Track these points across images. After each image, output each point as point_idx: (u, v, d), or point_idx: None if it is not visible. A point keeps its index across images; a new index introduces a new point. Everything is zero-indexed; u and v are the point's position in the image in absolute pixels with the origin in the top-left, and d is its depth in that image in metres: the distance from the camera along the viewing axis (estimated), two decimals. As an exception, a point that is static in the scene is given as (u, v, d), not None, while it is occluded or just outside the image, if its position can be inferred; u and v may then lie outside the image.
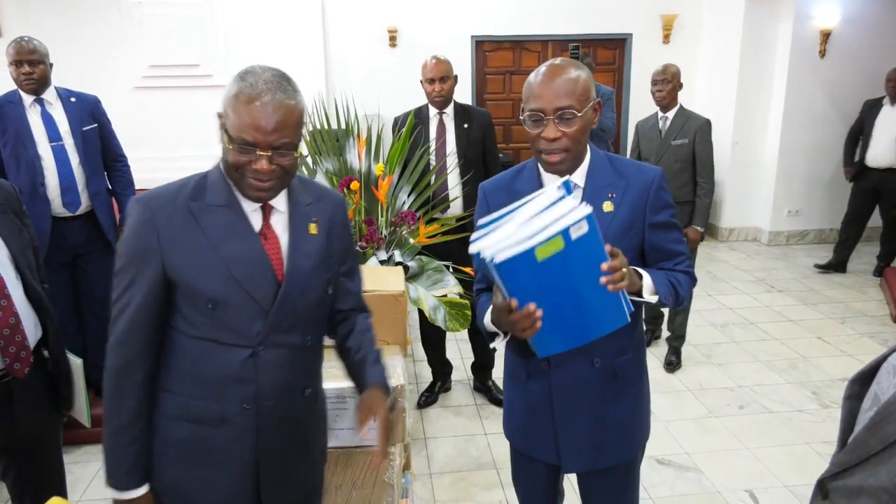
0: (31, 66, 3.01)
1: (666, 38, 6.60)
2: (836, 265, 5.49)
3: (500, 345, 1.52)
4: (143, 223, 1.29)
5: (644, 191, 1.52)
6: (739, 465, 2.93)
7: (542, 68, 1.45)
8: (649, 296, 1.45)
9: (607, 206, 1.50)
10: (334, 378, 1.85)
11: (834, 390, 3.58)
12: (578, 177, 1.52)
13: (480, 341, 3.47)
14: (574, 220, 1.20)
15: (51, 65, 3.12)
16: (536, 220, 1.22)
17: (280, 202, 1.38)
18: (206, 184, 1.34)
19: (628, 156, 4.02)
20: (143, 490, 1.36)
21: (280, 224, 1.38)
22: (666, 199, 1.55)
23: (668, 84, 3.68)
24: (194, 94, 6.19)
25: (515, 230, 1.22)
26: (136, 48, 5.96)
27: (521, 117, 1.48)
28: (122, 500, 1.36)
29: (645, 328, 4.09)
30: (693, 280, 1.59)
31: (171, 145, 5.94)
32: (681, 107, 3.75)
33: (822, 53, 5.97)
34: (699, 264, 4.02)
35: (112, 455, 1.34)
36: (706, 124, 3.70)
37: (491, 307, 1.50)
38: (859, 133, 5.30)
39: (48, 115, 3.08)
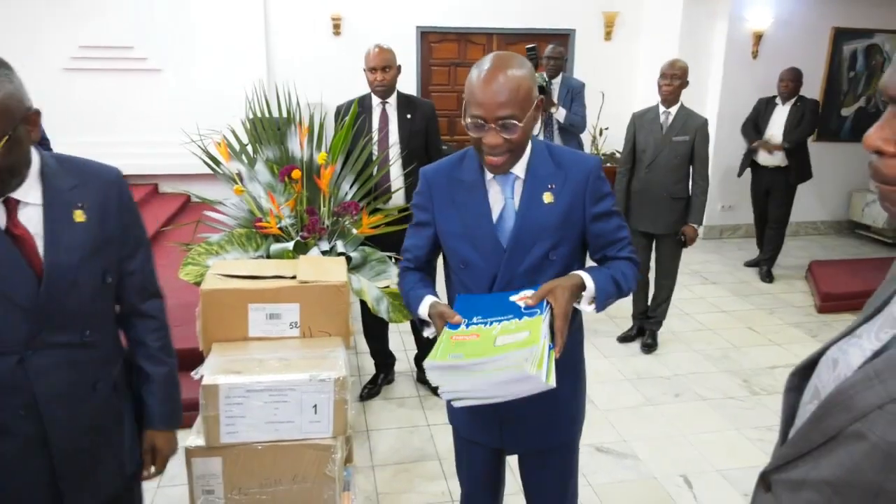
0: None
1: (608, 35, 6.71)
2: (767, 261, 5.65)
3: (431, 334, 1.56)
4: None
5: (583, 181, 1.53)
6: (675, 452, 3.03)
7: (485, 67, 1.40)
8: (586, 305, 1.48)
9: (547, 198, 1.52)
10: (271, 370, 1.81)
11: (763, 378, 3.74)
12: (519, 169, 1.53)
13: (420, 332, 3.46)
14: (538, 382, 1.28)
15: None
16: (506, 385, 1.31)
17: (30, 193, 1.29)
18: None
19: (622, 147, 4.06)
20: None
21: (34, 218, 1.29)
22: (604, 189, 1.56)
23: (676, 79, 3.73)
24: (128, 77, 5.95)
25: (485, 389, 1.32)
26: (65, 27, 5.67)
27: (464, 120, 1.46)
28: None
29: (632, 324, 4.22)
30: (636, 265, 1.61)
31: (102, 130, 5.69)
32: (682, 104, 3.81)
33: (755, 54, 6.19)
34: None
35: None
36: (706, 123, 3.78)
37: (430, 304, 1.55)
38: (755, 122, 5.34)
39: None
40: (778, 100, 5.21)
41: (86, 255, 1.34)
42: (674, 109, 3.79)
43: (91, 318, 1.39)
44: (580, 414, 1.75)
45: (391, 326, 3.47)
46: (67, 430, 1.37)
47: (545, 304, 1.39)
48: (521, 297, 1.43)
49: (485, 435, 1.70)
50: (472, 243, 1.55)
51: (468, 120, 1.44)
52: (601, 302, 1.48)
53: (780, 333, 4.37)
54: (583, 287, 1.45)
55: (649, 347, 4.04)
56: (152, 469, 1.64)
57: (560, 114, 4.58)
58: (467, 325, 1.41)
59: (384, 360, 3.55)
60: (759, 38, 6.15)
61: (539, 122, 4.54)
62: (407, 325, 3.34)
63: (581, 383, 1.73)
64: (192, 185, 4.82)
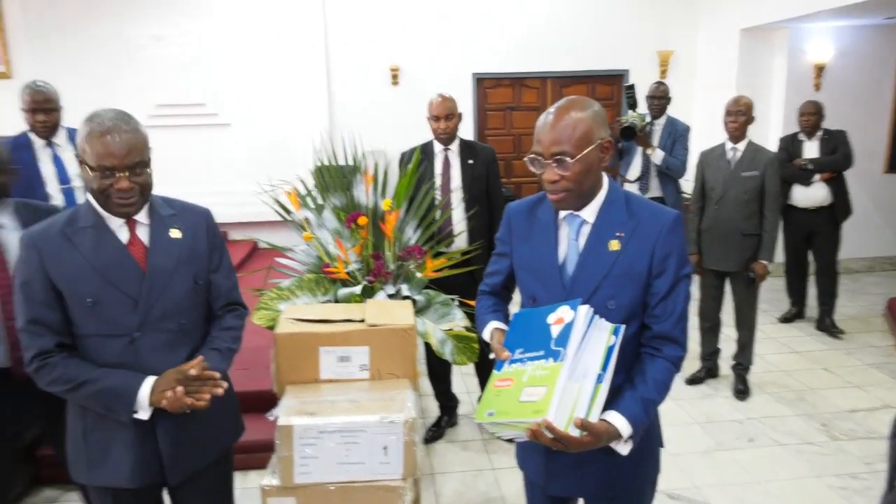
0: (46, 114, 3.05)
1: (663, 74, 6.71)
2: (798, 314, 5.21)
3: (492, 356, 1.61)
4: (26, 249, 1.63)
5: (654, 234, 1.50)
6: (751, 500, 2.90)
7: (550, 109, 1.50)
8: (622, 447, 1.43)
9: (613, 245, 1.52)
10: (343, 412, 1.85)
11: (843, 422, 3.56)
12: (589, 213, 1.55)
13: (487, 375, 3.46)
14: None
15: (61, 108, 3.16)
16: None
17: (141, 215, 1.68)
18: (79, 212, 1.66)
19: (692, 186, 4.03)
20: None
21: (144, 233, 1.69)
22: (673, 246, 1.51)
23: (741, 116, 3.73)
24: (199, 131, 6.29)
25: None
26: (144, 87, 6.07)
27: (526, 159, 1.54)
28: None
29: (701, 366, 4.11)
30: (678, 358, 1.52)
31: (176, 181, 5.96)
32: (750, 140, 3.79)
33: (818, 87, 6.07)
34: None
35: None
36: (775, 158, 3.75)
37: (491, 332, 1.67)
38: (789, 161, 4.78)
39: (58, 158, 3.13)
40: (802, 136, 4.82)
41: (181, 261, 1.70)
42: (741, 145, 3.76)
43: (185, 310, 1.72)
44: (649, 460, 1.67)
45: (455, 369, 3.49)
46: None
47: (565, 347, 1.38)
48: (557, 319, 1.44)
49: (532, 471, 1.71)
50: (539, 280, 1.60)
51: (529, 156, 1.51)
52: (637, 439, 1.45)
53: (860, 375, 4.16)
54: (617, 436, 1.40)
55: (742, 394, 3.89)
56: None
57: (657, 156, 4.47)
58: (510, 363, 1.49)
59: (448, 403, 3.56)
60: (820, 70, 6.03)
61: (638, 164, 4.54)
62: (470, 368, 3.35)
63: (652, 435, 1.65)
64: (258, 232, 5.02)
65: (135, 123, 1.61)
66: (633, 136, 4.42)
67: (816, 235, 4.84)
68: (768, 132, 6.17)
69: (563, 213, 1.57)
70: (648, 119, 4.52)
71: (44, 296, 1.60)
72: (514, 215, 1.70)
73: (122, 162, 1.55)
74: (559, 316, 1.43)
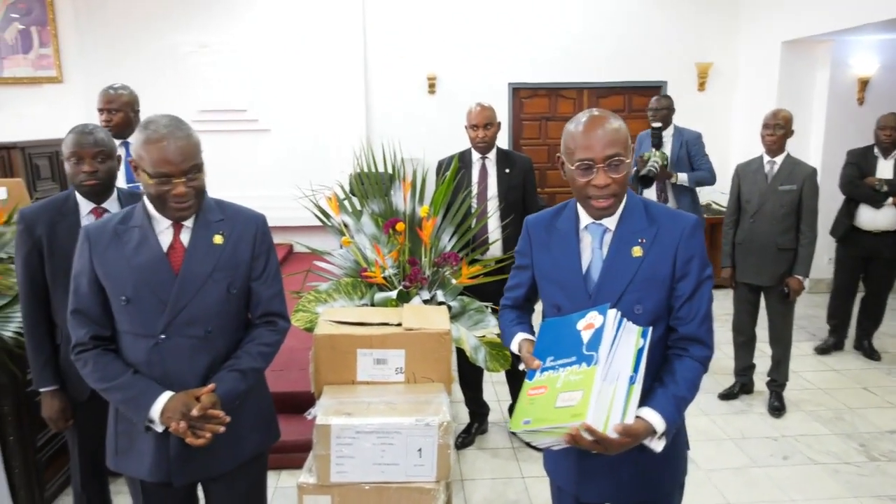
0: (110, 113, 3.10)
1: (701, 86, 6.66)
2: (836, 345, 4.86)
3: (522, 367, 1.63)
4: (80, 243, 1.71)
5: (675, 238, 1.54)
6: (785, 518, 2.86)
7: (584, 119, 1.52)
8: (656, 443, 1.45)
9: (636, 251, 1.55)
10: (379, 413, 1.89)
11: (883, 443, 3.48)
12: (611, 221, 1.58)
13: (519, 383, 3.47)
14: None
15: (137, 111, 3.20)
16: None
17: (188, 220, 1.71)
18: (133, 211, 1.72)
19: (727, 199, 3.99)
20: None
21: (186, 236, 1.70)
22: (694, 250, 1.54)
23: (780, 129, 3.69)
24: (241, 137, 6.44)
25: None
26: (187, 93, 6.24)
27: (567, 167, 1.54)
28: None
29: (735, 381, 4.08)
30: (705, 358, 1.56)
31: (218, 185, 6.13)
32: (788, 153, 3.75)
33: (861, 101, 5.96)
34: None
35: None
36: (814, 173, 3.69)
37: (520, 343, 1.68)
38: (861, 178, 4.46)
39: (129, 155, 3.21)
40: (878, 151, 4.43)
41: (216, 268, 1.70)
42: (779, 159, 3.72)
43: (214, 317, 1.71)
44: (678, 462, 1.69)
45: (486, 376, 3.51)
46: None
47: (597, 351, 1.41)
48: (587, 325, 1.47)
49: (564, 478, 1.72)
50: (563, 289, 1.61)
51: (575, 165, 1.50)
52: (670, 436, 1.48)
53: (901, 395, 4.07)
54: (652, 432, 1.43)
55: (777, 411, 3.83)
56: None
57: (682, 180, 4.32)
58: (542, 371, 1.50)
59: (479, 410, 3.58)
60: (864, 84, 5.92)
61: (653, 188, 4.35)
62: (501, 376, 3.37)
63: (680, 438, 1.68)
64: (294, 236, 5.11)
65: (187, 129, 1.65)
66: (650, 183, 4.27)
67: (875, 261, 4.53)
68: (809, 146, 6.08)
69: (584, 223, 1.60)
70: (668, 160, 4.32)
71: (87, 288, 1.67)
72: (533, 227, 1.73)
73: (179, 168, 1.59)
74: (588, 321, 1.46)
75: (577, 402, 1.36)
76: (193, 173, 1.63)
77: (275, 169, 6.38)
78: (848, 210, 4.56)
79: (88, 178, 2.09)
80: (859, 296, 4.80)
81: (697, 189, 4.49)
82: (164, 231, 1.69)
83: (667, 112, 4.47)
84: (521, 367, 1.63)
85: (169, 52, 6.27)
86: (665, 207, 1.64)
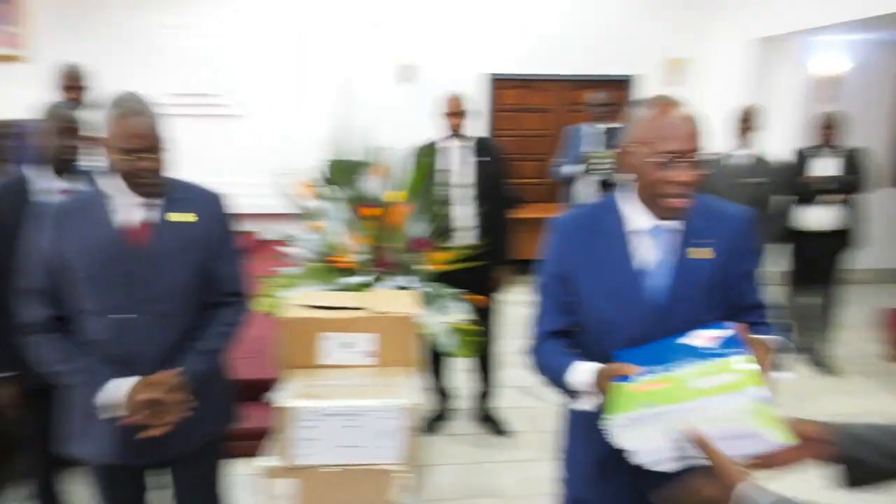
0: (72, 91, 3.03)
1: (673, 80, 6.73)
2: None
3: (592, 406, 1.38)
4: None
5: (738, 234, 1.45)
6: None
7: (665, 105, 1.36)
8: (778, 374, 1.30)
9: (705, 253, 1.42)
10: (345, 396, 1.89)
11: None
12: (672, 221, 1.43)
13: (487, 370, 3.50)
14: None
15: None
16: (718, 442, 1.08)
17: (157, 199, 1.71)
18: (100, 188, 1.70)
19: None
20: None
21: (156, 214, 1.70)
22: (754, 245, 1.48)
23: (748, 124, 3.82)
24: (211, 122, 6.35)
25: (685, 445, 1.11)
26: (158, 76, 6.13)
27: (637, 159, 1.37)
28: None
29: None
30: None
31: (187, 171, 6.05)
32: (757, 148, 3.84)
33: (831, 99, 6.08)
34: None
35: None
36: (784, 168, 3.80)
37: (598, 370, 1.35)
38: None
39: None
40: (819, 149, 4.29)
41: (184, 245, 1.71)
42: (748, 153, 3.81)
43: (179, 295, 1.71)
44: None
45: (453, 363, 3.52)
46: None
47: (741, 348, 1.18)
48: (705, 338, 1.24)
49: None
50: (615, 301, 1.43)
51: (652, 158, 1.34)
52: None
53: (851, 381, 4.19)
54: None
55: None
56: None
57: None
58: (643, 375, 1.21)
59: (445, 397, 3.59)
60: (834, 82, 6.05)
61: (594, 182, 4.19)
62: (467, 363, 3.39)
63: None
64: (266, 223, 5.06)
65: (152, 106, 1.66)
66: (611, 189, 4.04)
67: (822, 263, 4.36)
68: (777, 143, 6.18)
69: (641, 225, 1.43)
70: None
71: (44, 267, 1.65)
72: (570, 230, 1.51)
73: (149, 143, 1.61)
74: (710, 335, 1.25)
75: (732, 379, 1.08)
76: (159, 150, 1.65)
77: (246, 156, 6.30)
78: (786, 211, 4.36)
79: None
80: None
81: None
82: (129, 208, 1.67)
83: (615, 108, 4.25)
84: (586, 405, 1.38)
85: (139, 33, 6.14)
86: (718, 200, 1.52)
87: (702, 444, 1.07)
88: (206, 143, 6.30)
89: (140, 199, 1.67)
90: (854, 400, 3.98)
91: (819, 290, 4.45)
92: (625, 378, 1.24)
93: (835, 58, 6.00)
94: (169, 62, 6.18)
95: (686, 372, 1.14)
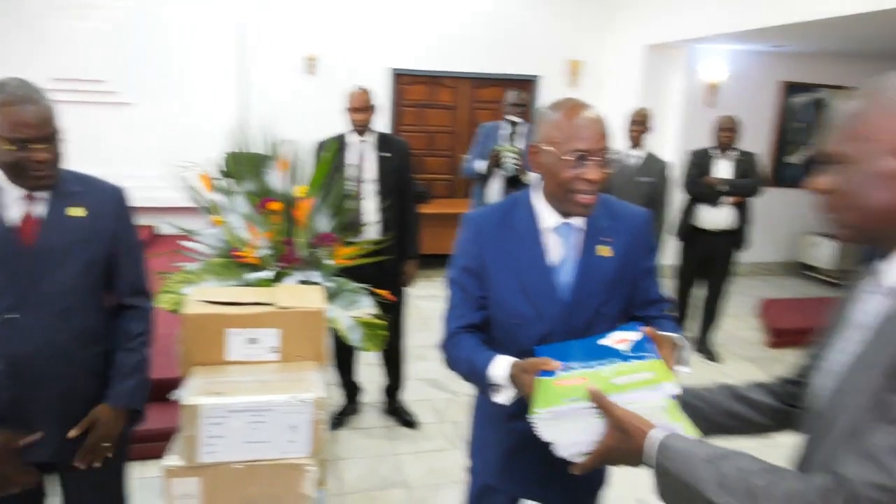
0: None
1: (573, 82, 7.01)
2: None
3: (509, 399, 1.38)
4: None
5: (636, 234, 1.52)
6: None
7: (574, 106, 1.40)
8: (682, 367, 1.35)
9: (605, 251, 1.48)
10: (251, 392, 1.87)
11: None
12: (579, 219, 1.49)
13: (394, 364, 3.53)
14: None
15: None
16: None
17: (43, 192, 1.63)
18: None
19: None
20: None
21: (41, 208, 1.62)
22: (653, 243, 1.56)
23: (641, 125, 4.02)
24: (98, 110, 5.99)
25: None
26: (38, 59, 5.71)
27: (549, 158, 1.40)
28: None
29: None
30: (678, 325, 1.52)
31: (77, 162, 5.68)
32: (648, 148, 4.05)
33: (711, 104, 6.54)
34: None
35: None
36: (669, 166, 3.99)
37: (513, 363, 1.36)
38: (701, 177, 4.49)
39: None
40: (716, 152, 4.51)
41: (75, 241, 1.63)
42: (640, 153, 4.04)
43: (72, 293, 1.64)
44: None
45: (358, 357, 3.54)
46: (42, 381, 1.63)
47: (652, 353, 1.24)
48: (620, 340, 1.30)
49: (519, 487, 1.60)
50: (527, 297, 1.47)
51: (566, 156, 1.37)
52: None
53: (733, 366, 4.53)
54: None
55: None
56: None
57: (533, 178, 4.07)
58: (565, 371, 1.24)
59: (352, 391, 3.60)
60: (714, 88, 6.51)
61: (498, 188, 4.19)
62: (373, 356, 3.41)
63: None
64: (163, 218, 4.84)
65: (44, 93, 1.57)
66: (518, 184, 3.96)
67: (714, 259, 4.60)
68: (666, 145, 6.59)
69: (550, 222, 1.48)
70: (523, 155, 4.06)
71: None
72: (484, 226, 1.53)
73: (40, 132, 1.51)
74: (622, 338, 1.31)
75: (649, 376, 1.16)
76: (54, 139, 1.57)
77: (139, 146, 6.00)
78: (689, 209, 4.60)
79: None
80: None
81: None
82: (13, 202, 1.58)
83: (527, 108, 4.35)
84: (503, 398, 1.36)
85: (15, 11, 5.70)
86: (618, 201, 1.58)
87: (601, 402, 1.11)
88: (94, 133, 5.96)
89: (24, 192, 1.58)
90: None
91: (707, 283, 4.72)
92: (549, 373, 1.26)
93: (716, 65, 6.46)
94: (49, 44, 5.78)
95: (607, 369, 1.21)
